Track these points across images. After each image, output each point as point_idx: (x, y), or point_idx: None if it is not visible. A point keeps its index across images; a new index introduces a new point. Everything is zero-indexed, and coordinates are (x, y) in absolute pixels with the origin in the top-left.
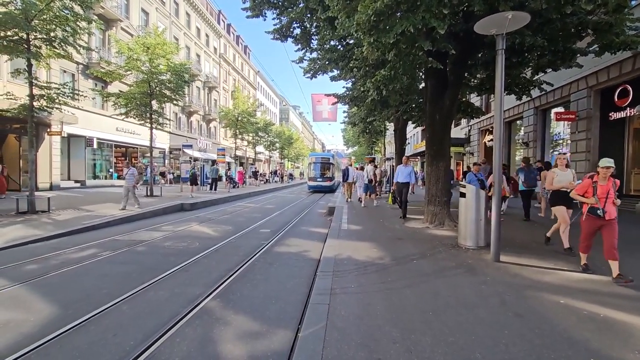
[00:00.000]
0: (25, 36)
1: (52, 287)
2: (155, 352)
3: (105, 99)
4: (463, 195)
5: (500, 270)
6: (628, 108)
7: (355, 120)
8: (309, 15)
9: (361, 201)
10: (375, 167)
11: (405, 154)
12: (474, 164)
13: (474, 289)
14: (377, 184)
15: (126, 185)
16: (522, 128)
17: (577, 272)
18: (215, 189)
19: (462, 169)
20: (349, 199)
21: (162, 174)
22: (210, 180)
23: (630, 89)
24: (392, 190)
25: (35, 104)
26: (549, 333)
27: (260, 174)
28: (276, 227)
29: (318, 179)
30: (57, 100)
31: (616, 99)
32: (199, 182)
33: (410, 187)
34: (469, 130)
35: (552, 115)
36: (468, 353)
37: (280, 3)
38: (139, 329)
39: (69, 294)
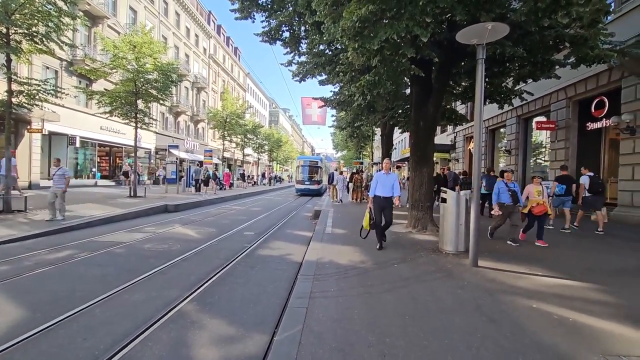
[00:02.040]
0: (4, 30)
1: (22, 289)
2: (126, 356)
3: (89, 96)
4: (445, 200)
5: (477, 275)
6: (604, 119)
7: (343, 124)
8: (297, 18)
9: (341, 201)
10: (362, 172)
11: (393, 159)
12: (504, 171)
13: (451, 293)
14: (363, 188)
15: (54, 190)
16: (506, 136)
17: (550, 277)
18: (199, 191)
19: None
20: (335, 200)
21: (125, 174)
22: (199, 181)
23: (607, 100)
24: (368, 208)
25: (13, 100)
26: (520, 337)
27: (249, 176)
28: (261, 230)
29: (306, 182)
30: (37, 97)
31: (593, 110)
32: (183, 183)
33: (395, 202)
34: (455, 137)
35: (534, 124)
36: (440, 357)
37: (269, 6)
38: (110, 332)
39: (40, 297)
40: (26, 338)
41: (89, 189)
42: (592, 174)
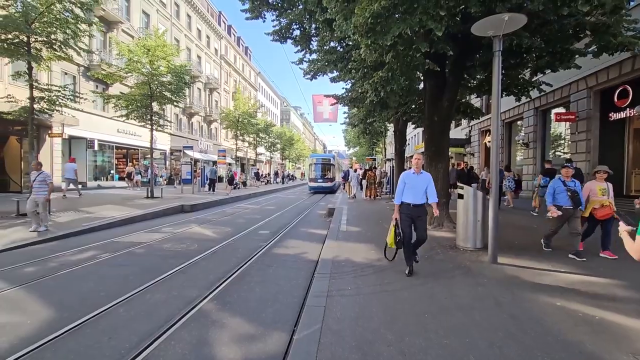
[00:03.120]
0: (25, 39)
1: (49, 289)
2: (150, 355)
3: (106, 101)
4: (461, 196)
5: (497, 272)
6: (628, 109)
7: (355, 121)
8: (307, 17)
9: (355, 196)
10: (375, 168)
11: (406, 155)
12: (565, 165)
13: (470, 291)
14: (376, 185)
15: (34, 198)
16: (523, 129)
17: (574, 274)
18: (213, 190)
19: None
20: (350, 196)
21: (129, 176)
22: (208, 181)
23: (630, 89)
24: (394, 223)
25: (35, 106)
26: (543, 335)
27: (263, 175)
28: (275, 229)
29: (319, 180)
30: (57, 103)
31: (616, 100)
32: (198, 183)
33: (434, 211)
34: (470, 131)
35: (552, 116)
36: (461, 355)
37: (279, 4)
38: (134, 331)
39: (66, 297)
40: (55, 337)
41: (108, 190)
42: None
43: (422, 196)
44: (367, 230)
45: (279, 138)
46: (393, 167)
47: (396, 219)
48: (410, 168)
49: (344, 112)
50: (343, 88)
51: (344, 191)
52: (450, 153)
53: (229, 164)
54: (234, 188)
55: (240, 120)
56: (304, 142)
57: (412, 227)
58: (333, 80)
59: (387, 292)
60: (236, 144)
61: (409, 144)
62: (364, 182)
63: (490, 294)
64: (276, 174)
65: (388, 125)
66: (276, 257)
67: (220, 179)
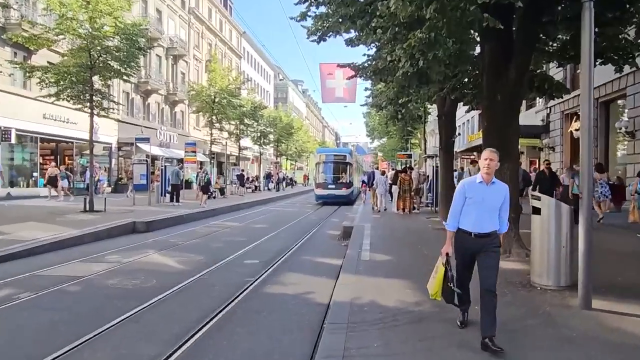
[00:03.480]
0: None
1: None
2: None
3: (28, 74)
4: (537, 211)
5: (591, 322)
6: None
7: (381, 101)
8: None
9: (384, 209)
10: (411, 169)
11: (456, 149)
12: None
13: (554, 350)
14: (413, 193)
15: None
16: (626, 111)
17: None
18: (177, 201)
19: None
20: (377, 208)
21: (52, 181)
22: (170, 188)
23: None
24: (443, 260)
25: None
26: None
27: (250, 179)
28: (268, 257)
29: (329, 186)
30: None
31: None
32: (157, 191)
33: (501, 242)
34: (548, 115)
35: None
36: None
37: None
38: None
39: None
40: None
41: (29, 201)
42: None
43: (493, 220)
44: (400, 259)
45: (272, 125)
46: (437, 167)
47: (447, 254)
48: (462, 170)
49: (366, 89)
50: (364, 55)
51: (365, 201)
52: (520, 147)
53: (201, 163)
54: (209, 197)
55: (216, 100)
56: (307, 132)
57: (472, 268)
58: (350, 43)
59: (433, 353)
60: (211, 135)
61: (459, 134)
62: (395, 188)
63: (584, 355)
64: (268, 176)
65: (429, 107)
66: (269, 298)
67: (188, 185)
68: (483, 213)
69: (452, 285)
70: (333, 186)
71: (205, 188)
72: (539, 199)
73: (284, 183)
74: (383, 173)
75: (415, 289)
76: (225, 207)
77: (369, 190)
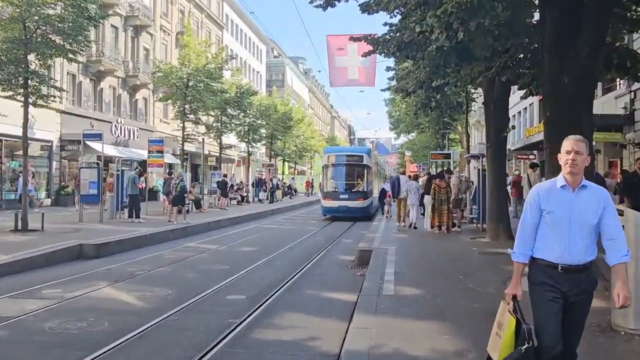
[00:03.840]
0: None
1: None
2: None
3: None
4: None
5: None
6: None
7: (409, 84)
8: None
9: (414, 227)
10: (449, 173)
11: (510, 147)
12: None
13: None
14: (452, 205)
15: None
16: None
17: None
18: (138, 216)
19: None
20: (402, 225)
21: None
22: (128, 200)
23: None
24: (510, 308)
25: None
26: None
27: (235, 186)
28: (258, 291)
29: (341, 196)
30: None
31: None
32: (111, 203)
33: (620, 292)
34: (632, 101)
35: None
36: None
37: None
38: None
39: None
40: None
41: None
42: None
43: (588, 245)
44: (435, 293)
45: (265, 117)
46: (483, 170)
47: (514, 297)
48: (533, 171)
49: (387, 69)
50: (385, 24)
51: (389, 215)
52: (595, 143)
53: (170, 167)
54: (179, 212)
55: (190, 84)
56: (311, 125)
57: (559, 320)
58: (366, 8)
59: None
60: (183, 130)
61: (513, 127)
62: (428, 199)
63: None
64: (259, 183)
65: (473, 92)
66: (259, 347)
67: (153, 194)
68: (572, 235)
69: (529, 343)
70: (345, 196)
71: (178, 199)
72: (622, 213)
73: (280, 192)
74: (415, 178)
75: (455, 334)
76: (202, 225)
77: (394, 201)
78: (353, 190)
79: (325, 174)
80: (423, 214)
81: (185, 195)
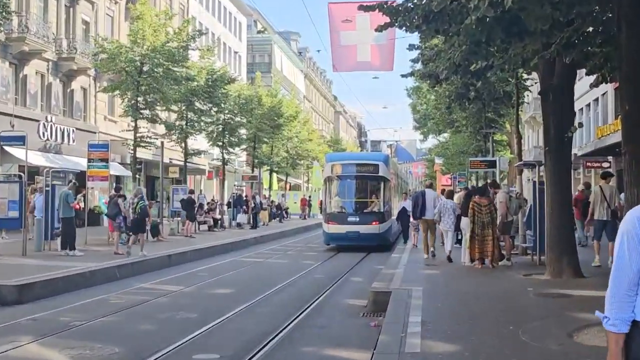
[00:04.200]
0: None
1: None
2: None
3: None
4: None
5: None
6: None
7: (439, 68)
8: None
9: (448, 258)
10: (495, 187)
11: (577, 152)
12: None
13: None
14: (498, 230)
15: None
16: None
17: None
18: (73, 248)
19: None
20: (428, 256)
21: None
22: (60, 227)
23: None
24: None
25: None
26: None
27: (206, 206)
28: (236, 349)
29: (349, 218)
30: None
31: None
32: (37, 229)
33: None
34: None
35: None
36: None
37: None
38: None
39: None
40: None
41: None
42: None
43: None
44: (477, 349)
45: (245, 112)
46: (540, 183)
47: None
48: (587, 186)
49: (410, 47)
50: None
51: (415, 243)
52: None
53: (118, 180)
54: (136, 241)
55: (145, 69)
56: (308, 122)
57: None
58: None
59: None
60: (135, 130)
61: (581, 125)
62: (466, 222)
63: None
64: (238, 202)
65: (525, 77)
66: None
67: (95, 217)
68: None
69: None
70: (356, 218)
71: (138, 224)
72: None
73: (266, 213)
74: (450, 195)
75: None
76: (161, 259)
77: (420, 223)
78: (366, 210)
79: (329, 190)
80: (459, 243)
81: (147, 218)
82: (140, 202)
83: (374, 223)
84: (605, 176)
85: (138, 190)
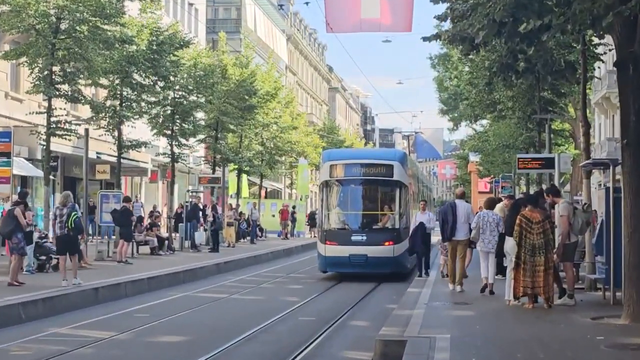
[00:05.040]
0: None
1: None
2: None
3: None
4: None
5: None
6: None
7: (475, 27)
8: None
9: (490, 291)
10: (554, 195)
11: None
12: None
13: None
14: (556, 256)
15: None
16: None
17: None
18: None
19: None
20: (455, 286)
21: None
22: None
23: None
24: None
25: None
26: None
27: (148, 220)
28: None
29: (354, 236)
30: None
31: None
32: None
33: None
34: None
35: None
36: None
37: None
38: None
39: None
40: None
41: None
42: None
43: None
44: None
45: (204, 88)
46: (616, 190)
47: None
48: None
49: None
50: None
51: (442, 270)
52: None
53: (23, 183)
54: (37, 266)
55: (64, 27)
56: (293, 102)
57: None
58: None
59: None
60: (49, 112)
61: None
62: (511, 243)
63: None
64: (193, 214)
65: (595, 42)
66: None
67: None
68: None
69: None
70: (362, 237)
71: (71, 244)
72: None
73: (231, 230)
74: (492, 204)
75: None
76: (85, 293)
77: (449, 244)
78: (376, 227)
79: (327, 198)
80: (501, 273)
81: (80, 236)
82: (75, 214)
83: (386, 244)
84: None
85: (66, 196)
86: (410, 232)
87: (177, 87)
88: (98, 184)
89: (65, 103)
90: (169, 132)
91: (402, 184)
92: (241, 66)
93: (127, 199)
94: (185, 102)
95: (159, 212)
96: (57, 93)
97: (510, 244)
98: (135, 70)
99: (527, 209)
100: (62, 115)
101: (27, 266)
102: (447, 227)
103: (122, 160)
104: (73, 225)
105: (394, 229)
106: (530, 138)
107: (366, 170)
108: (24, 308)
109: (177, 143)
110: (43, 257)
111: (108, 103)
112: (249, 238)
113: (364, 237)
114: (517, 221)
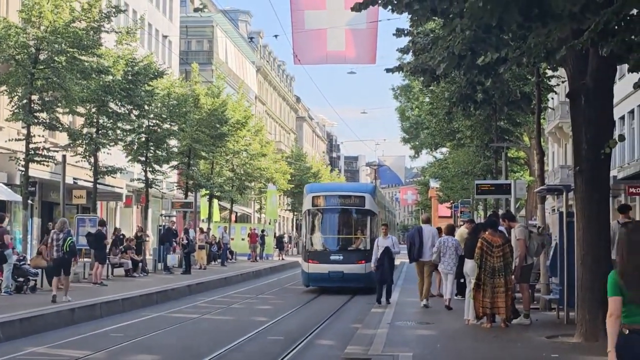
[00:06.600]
0: None
1: None
2: None
3: None
4: None
5: None
6: None
7: (436, 60)
8: None
9: (448, 306)
10: (509, 220)
11: (617, 173)
12: None
13: None
14: (513, 277)
15: None
16: None
17: None
18: None
19: None
20: (423, 303)
21: None
22: None
23: None
24: None
25: None
26: None
27: (123, 243)
28: None
29: (333, 256)
30: None
31: None
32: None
33: None
34: None
35: None
36: None
37: None
38: None
39: None
40: None
41: None
42: None
43: None
44: None
45: (177, 116)
46: (569, 215)
47: None
48: (624, 216)
49: (398, 33)
50: None
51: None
52: None
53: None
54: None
55: (43, 57)
56: (262, 130)
57: None
58: None
59: None
60: (27, 139)
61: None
62: (471, 266)
63: None
64: (166, 236)
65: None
66: None
67: None
68: None
69: None
70: (339, 257)
71: (66, 265)
72: None
73: (202, 253)
74: (451, 230)
75: None
76: (61, 313)
77: (416, 264)
78: (350, 248)
79: (309, 224)
80: (460, 294)
81: (76, 257)
82: (69, 238)
83: (359, 262)
84: (623, 210)
85: (63, 223)
86: (374, 257)
87: (152, 115)
88: (75, 208)
89: (44, 130)
90: (143, 158)
91: (372, 212)
92: (213, 96)
93: (102, 223)
94: (159, 130)
95: (140, 235)
96: (36, 121)
97: (469, 265)
98: (111, 99)
99: (487, 232)
100: (41, 142)
101: (5, 287)
102: (415, 249)
103: (98, 186)
104: (68, 249)
105: (366, 250)
106: (487, 165)
107: (342, 200)
108: (2, 328)
109: (151, 169)
110: (21, 279)
111: (85, 130)
112: (219, 260)
113: (341, 257)
114: (479, 244)
